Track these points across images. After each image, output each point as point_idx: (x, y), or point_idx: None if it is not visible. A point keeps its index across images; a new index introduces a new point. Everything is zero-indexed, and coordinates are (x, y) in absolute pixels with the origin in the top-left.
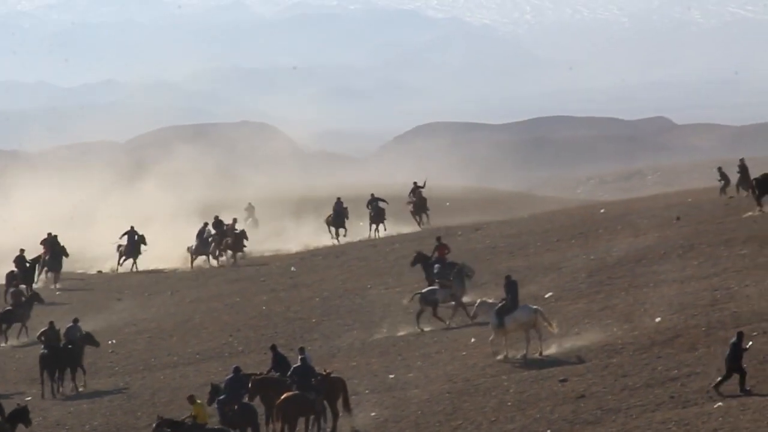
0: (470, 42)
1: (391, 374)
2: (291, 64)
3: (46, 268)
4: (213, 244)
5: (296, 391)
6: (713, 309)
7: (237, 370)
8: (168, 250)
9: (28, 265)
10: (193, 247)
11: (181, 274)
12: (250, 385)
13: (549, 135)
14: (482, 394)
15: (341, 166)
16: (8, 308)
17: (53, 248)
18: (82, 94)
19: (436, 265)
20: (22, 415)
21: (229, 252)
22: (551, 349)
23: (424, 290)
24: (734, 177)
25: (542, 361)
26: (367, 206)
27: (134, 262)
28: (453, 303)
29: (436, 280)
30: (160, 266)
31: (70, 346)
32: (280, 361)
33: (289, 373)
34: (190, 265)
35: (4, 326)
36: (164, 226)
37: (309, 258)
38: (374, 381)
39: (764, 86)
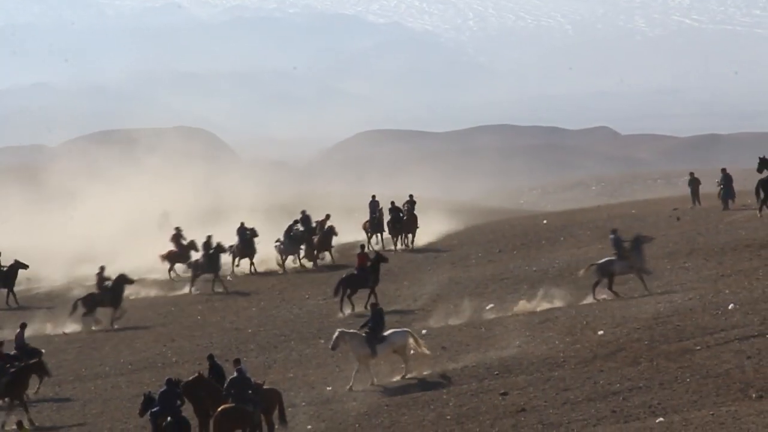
0: (412, 48)
1: (329, 386)
2: (228, 69)
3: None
4: (304, 242)
5: (233, 404)
6: (656, 323)
7: (170, 381)
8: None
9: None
10: (281, 246)
11: None
12: (182, 387)
13: (492, 144)
14: (421, 407)
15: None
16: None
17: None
18: (12, 96)
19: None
20: None
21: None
22: (492, 359)
23: (601, 261)
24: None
25: (482, 374)
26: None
27: (252, 263)
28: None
29: (614, 252)
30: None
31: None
32: (217, 372)
33: (225, 384)
34: (280, 265)
35: None
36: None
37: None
38: (311, 393)
39: (707, 97)
